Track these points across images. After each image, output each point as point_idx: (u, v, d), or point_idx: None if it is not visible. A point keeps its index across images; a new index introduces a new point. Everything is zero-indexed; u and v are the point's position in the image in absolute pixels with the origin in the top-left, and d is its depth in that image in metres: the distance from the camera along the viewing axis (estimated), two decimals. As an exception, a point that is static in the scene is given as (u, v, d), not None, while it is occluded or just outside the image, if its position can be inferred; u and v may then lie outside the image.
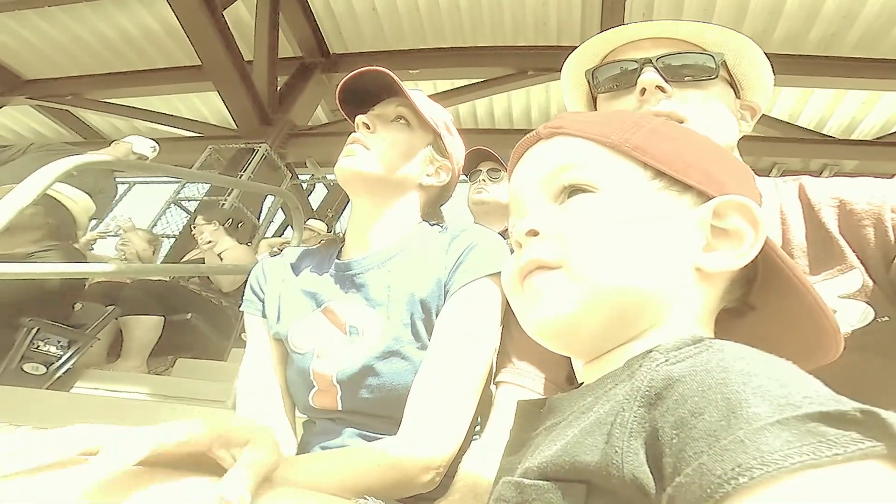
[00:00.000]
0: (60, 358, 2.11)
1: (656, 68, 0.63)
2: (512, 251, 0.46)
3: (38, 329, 2.03)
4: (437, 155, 0.82)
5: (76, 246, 2.40)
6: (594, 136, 0.39)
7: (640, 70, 0.64)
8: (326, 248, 0.86)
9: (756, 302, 0.39)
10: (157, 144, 2.65)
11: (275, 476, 0.44)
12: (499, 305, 0.68)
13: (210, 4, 2.70)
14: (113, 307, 2.33)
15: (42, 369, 2.05)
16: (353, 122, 0.80)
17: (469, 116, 4.18)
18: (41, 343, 2.06)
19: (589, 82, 0.71)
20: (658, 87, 0.63)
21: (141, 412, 1.56)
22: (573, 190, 0.38)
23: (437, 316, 0.71)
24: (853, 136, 3.79)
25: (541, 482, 0.31)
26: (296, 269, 0.83)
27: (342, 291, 0.76)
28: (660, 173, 0.38)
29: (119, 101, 3.97)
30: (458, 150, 0.85)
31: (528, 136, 0.43)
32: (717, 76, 0.63)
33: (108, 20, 3.28)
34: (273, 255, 0.92)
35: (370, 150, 0.76)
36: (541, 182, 0.40)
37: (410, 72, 3.33)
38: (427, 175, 0.81)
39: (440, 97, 3.61)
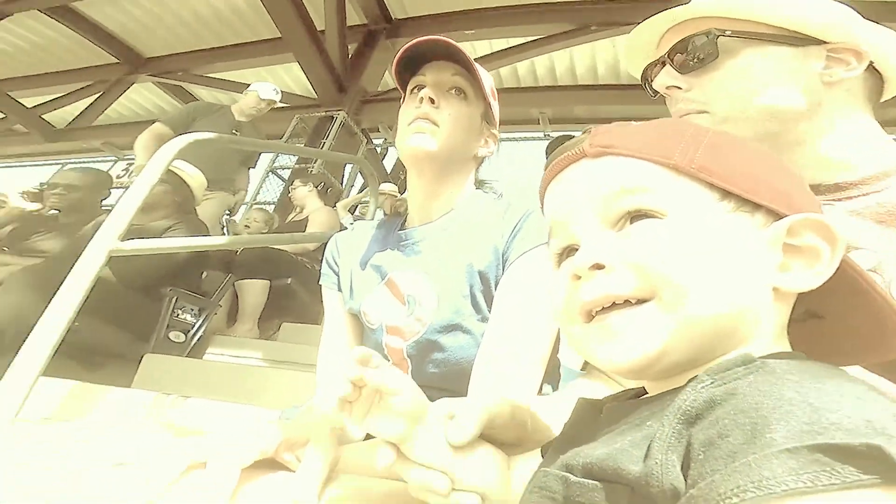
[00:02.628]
0: (195, 325, 2.26)
1: (671, 62, 0.60)
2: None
3: (177, 298, 2.21)
4: (487, 125, 0.83)
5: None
6: (654, 158, 0.37)
7: (663, 66, 0.61)
8: (392, 219, 0.88)
9: (822, 311, 0.38)
10: (278, 87, 3.03)
11: (339, 465, 0.48)
12: None
13: None
14: (230, 275, 2.56)
15: (182, 337, 2.22)
16: (404, 88, 0.81)
17: (528, 74, 4.14)
18: (180, 312, 2.23)
19: (644, 84, 0.68)
20: (670, 87, 0.60)
21: (257, 378, 1.70)
22: (636, 215, 0.36)
23: (496, 286, 0.71)
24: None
25: (587, 480, 0.32)
26: (364, 243, 0.84)
27: (402, 261, 0.78)
28: (727, 193, 0.36)
29: (219, 76, 4.39)
30: (498, 112, 0.84)
31: (567, 151, 0.40)
32: (716, 57, 0.58)
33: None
34: (352, 221, 1.02)
35: (438, 127, 0.76)
36: (595, 206, 0.38)
37: (466, 32, 3.41)
38: (480, 146, 0.83)
39: (497, 56, 3.67)
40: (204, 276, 2.52)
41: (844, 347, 0.38)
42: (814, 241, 0.35)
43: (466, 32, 3.40)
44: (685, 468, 0.27)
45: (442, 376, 0.71)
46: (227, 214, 3.21)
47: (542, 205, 0.43)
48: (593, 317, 0.36)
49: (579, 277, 0.36)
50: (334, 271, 0.85)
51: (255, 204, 4.60)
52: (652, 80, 0.64)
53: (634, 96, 3.78)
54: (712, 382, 0.29)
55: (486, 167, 0.88)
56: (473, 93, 0.79)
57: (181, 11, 3.80)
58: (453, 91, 0.79)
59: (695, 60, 0.59)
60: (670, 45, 0.61)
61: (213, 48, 4.23)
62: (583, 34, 3.57)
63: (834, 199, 0.55)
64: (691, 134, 0.38)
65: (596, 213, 0.37)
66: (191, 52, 4.32)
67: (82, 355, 1.90)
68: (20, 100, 4.46)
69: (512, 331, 0.66)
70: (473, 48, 3.77)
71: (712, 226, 0.35)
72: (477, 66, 0.78)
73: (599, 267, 0.35)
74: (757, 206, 0.36)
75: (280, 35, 3.45)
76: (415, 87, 0.80)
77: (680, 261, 0.34)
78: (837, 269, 0.35)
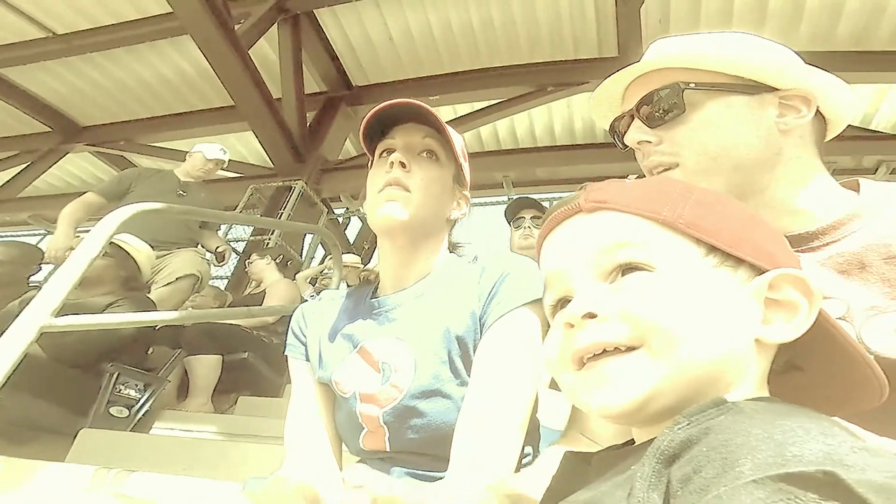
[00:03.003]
0: (139, 401, 2.21)
1: (639, 115, 0.61)
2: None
3: (119, 374, 2.16)
4: (459, 187, 0.82)
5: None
6: (645, 213, 0.39)
7: (627, 126, 0.62)
8: (361, 288, 0.86)
9: (801, 363, 0.40)
10: (224, 147, 2.85)
11: None
12: (538, 334, 0.67)
13: (236, 45, 2.81)
14: (179, 350, 2.48)
15: (125, 412, 2.16)
16: (372, 152, 0.80)
17: (491, 138, 4.20)
18: (122, 387, 2.17)
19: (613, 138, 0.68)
20: (641, 142, 0.61)
21: (213, 451, 1.67)
22: (628, 269, 0.38)
23: (474, 351, 0.70)
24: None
25: None
26: (333, 313, 0.82)
27: (376, 329, 0.77)
28: (713, 249, 0.38)
29: (166, 145, 4.18)
30: (468, 172, 0.84)
31: (563, 206, 0.42)
32: (683, 110, 0.58)
33: (145, 64, 3.47)
34: (313, 293, 0.96)
35: (410, 193, 0.74)
36: (589, 259, 0.39)
37: (430, 98, 3.41)
38: (453, 209, 0.81)
39: (461, 121, 3.68)
40: (150, 351, 2.44)
41: (822, 398, 0.40)
42: (793, 295, 0.37)
43: (430, 98, 3.39)
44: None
45: (422, 441, 0.70)
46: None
47: (539, 258, 0.45)
48: (584, 364, 0.37)
49: (573, 326, 0.38)
50: (301, 342, 0.84)
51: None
52: (622, 135, 0.64)
53: (591, 155, 3.92)
54: (688, 423, 0.31)
55: (458, 229, 0.88)
56: (445, 155, 0.78)
57: (124, 79, 3.65)
58: (424, 154, 0.77)
59: (662, 114, 0.59)
60: (637, 99, 0.61)
61: (159, 116, 4.06)
62: (540, 95, 3.66)
63: (800, 251, 0.56)
64: (679, 191, 0.41)
65: (589, 266, 0.39)
66: (134, 120, 4.14)
67: (10, 431, 1.84)
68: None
69: (492, 396, 0.65)
70: (438, 114, 3.76)
71: (698, 279, 0.37)
72: (447, 127, 0.77)
73: (592, 316, 0.37)
74: (740, 262, 0.38)
75: (233, 103, 3.32)
76: (384, 150, 0.78)
77: (668, 311, 0.36)
78: (815, 322, 0.37)
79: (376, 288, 0.84)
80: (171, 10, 2.71)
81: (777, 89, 0.59)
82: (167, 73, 3.59)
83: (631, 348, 0.36)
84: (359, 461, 0.79)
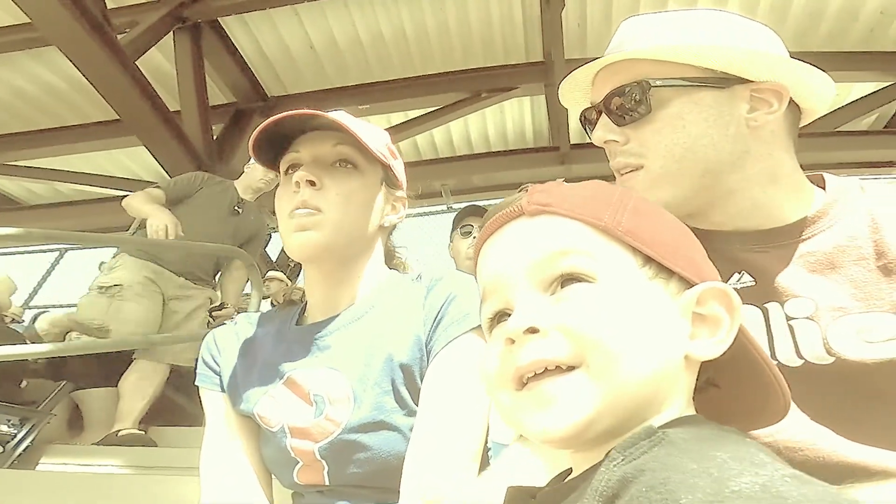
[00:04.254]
0: (15, 437, 2.05)
1: (607, 114, 0.58)
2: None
3: None
4: (390, 189, 0.74)
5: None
6: (586, 219, 0.38)
7: (598, 117, 0.60)
8: (285, 310, 0.80)
9: (718, 380, 0.41)
10: None
11: None
12: None
13: (119, 56, 2.46)
14: (63, 383, 2.29)
15: None
16: (275, 169, 0.72)
17: (428, 146, 4.03)
18: None
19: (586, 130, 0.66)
20: (608, 141, 0.59)
21: (120, 485, 1.51)
22: (568, 279, 0.37)
23: (420, 378, 0.66)
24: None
25: None
26: (252, 338, 0.76)
27: (304, 358, 0.70)
28: (649, 259, 0.38)
29: (32, 164, 3.59)
30: (403, 170, 0.76)
31: (505, 209, 0.41)
32: (650, 110, 0.56)
33: None
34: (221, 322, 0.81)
35: (324, 214, 0.67)
36: (529, 268, 0.38)
37: (360, 108, 3.13)
38: (386, 215, 0.75)
39: (396, 130, 3.46)
40: (22, 384, 2.28)
41: (736, 414, 0.40)
42: (716, 310, 0.37)
43: (360, 108, 3.11)
44: None
45: (366, 475, 0.66)
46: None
47: (476, 264, 0.44)
48: (524, 384, 0.36)
49: (513, 342, 0.37)
50: (214, 371, 0.76)
51: None
52: (590, 130, 0.63)
53: (525, 160, 3.90)
54: (623, 459, 0.31)
55: (396, 235, 0.83)
56: (364, 160, 0.70)
57: None
58: (338, 164, 0.70)
59: (630, 112, 0.57)
60: (605, 91, 0.59)
61: (21, 133, 3.45)
62: (474, 102, 3.53)
63: (768, 247, 0.56)
64: (618, 197, 0.40)
65: (530, 277, 0.38)
66: None
67: None
68: None
69: (443, 427, 0.62)
70: (369, 121, 3.49)
71: (636, 292, 0.37)
72: (363, 125, 0.70)
73: (534, 331, 0.36)
74: (671, 274, 0.38)
75: (118, 117, 2.83)
76: (289, 166, 0.71)
77: (609, 328, 0.35)
78: (738, 344, 0.38)
79: (303, 310, 0.77)
80: (29, 21, 2.28)
81: (748, 81, 0.56)
82: (28, 87, 3.07)
83: (571, 367, 0.35)
84: (293, 494, 0.74)
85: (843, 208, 0.57)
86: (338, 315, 0.72)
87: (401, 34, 2.99)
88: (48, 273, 5.03)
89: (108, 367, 2.28)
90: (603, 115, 0.58)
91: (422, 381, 0.66)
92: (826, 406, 0.51)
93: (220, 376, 0.76)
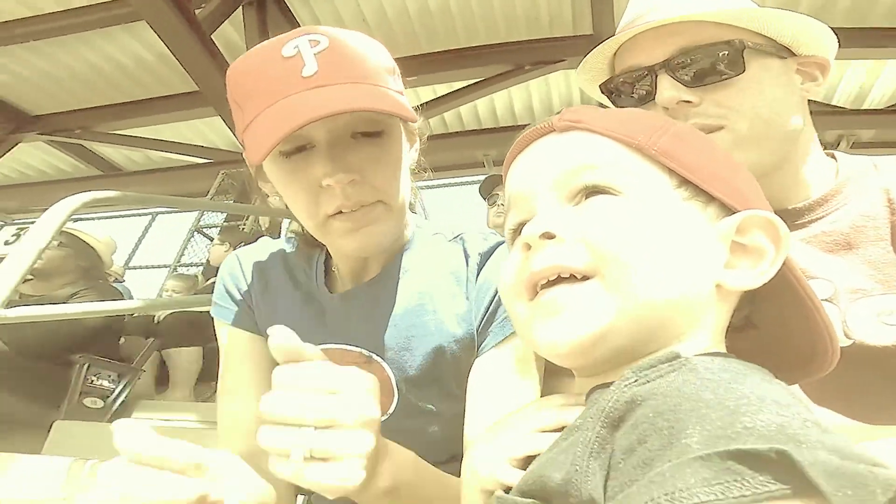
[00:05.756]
0: (114, 391, 2.21)
1: (672, 75, 0.55)
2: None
3: (89, 365, 2.14)
4: (407, 127, 0.64)
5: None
6: (619, 136, 0.37)
7: (655, 80, 0.56)
8: (305, 256, 0.69)
9: (759, 319, 0.38)
10: None
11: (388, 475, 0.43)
12: (542, 365, 0.59)
13: (197, 29, 2.67)
14: (152, 339, 2.46)
15: (100, 402, 2.17)
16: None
17: (471, 117, 4.14)
18: (94, 378, 2.16)
19: (609, 98, 0.63)
20: (680, 102, 0.55)
21: (193, 439, 1.73)
22: (593, 191, 0.36)
23: (466, 364, 0.61)
24: (864, 106, 3.67)
25: (520, 499, 0.31)
26: (278, 281, 0.67)
27: (340, 333, 0.64)
28: (685, 182, 0.36)
29: (128, 133, 4.00)
30: (410, 105, 0.62)
31: (536, 126, 0.40)
32: (743, 70, 0.53)
33: (96, 51, 3.31)
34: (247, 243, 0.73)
35: (375, 203, 0.58)
36: (555, 179, 0.37)
37: (408, 79, 3.31)
38: (411, 157, 0.66)
39: (441, 101, 3.63)
40: (122, 341, 2.44)
41: (777, 360, 0.36)
42: (760, 240, 0.35)
43: (408, 79, 3.29)
44: (606, 479, 0.26)
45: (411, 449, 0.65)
46: None
47: (504, 179, 0.43)
48: (538, 293, 0.35)
49: (530, 247, 0.36)
50: (234, 301, 0.68)
51: (180, 266, 4.19)
52: (646, 94, 0.58)
53: None
54: (636, 380, 0.29)
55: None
56: (386, 119, 0.58)
57: (73, 66, 3.42)
58: (360, 135, 0.57)
59: (712, 73, 0.54)
60: (659, 54, 0.56)
61: (119, 104, 3.82)
62: (518, 74, 3.59)
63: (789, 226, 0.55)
64: (660, 122, 0.39)
65: (555, 187, 0.37)
66: (90, 108, 3.89)
67: None
68: None
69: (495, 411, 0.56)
70: (417, 94, 3.69)
71: (666, 210, 0.35)
72: (368, 69, 0.56)
73: (550, 236, 0.35)
74: (711, 199, 0.36)
75: (198, 88, 3.16)
76: (298, 146, 0.56)
77: (629, 240, 0.33)
78: (779, 273, 0.35)
79: (327, 267, 0.68)
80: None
81: (795, 55, 0.56)
82: (123, 59, 3.37)
83: (586, 277, 0.34)
84: None
85: (856, 186, 0.55)
86: (370, 281, 0.65)
87: (446, 7, 3.11)
88: (143, 235, 5.54)
89: (196, 327, 2.44)
90: (666, 75, 0.55)
91: (467, 366, 0.62)
92: (844, 389, 0.47)
93: (243, 309, 0.68)
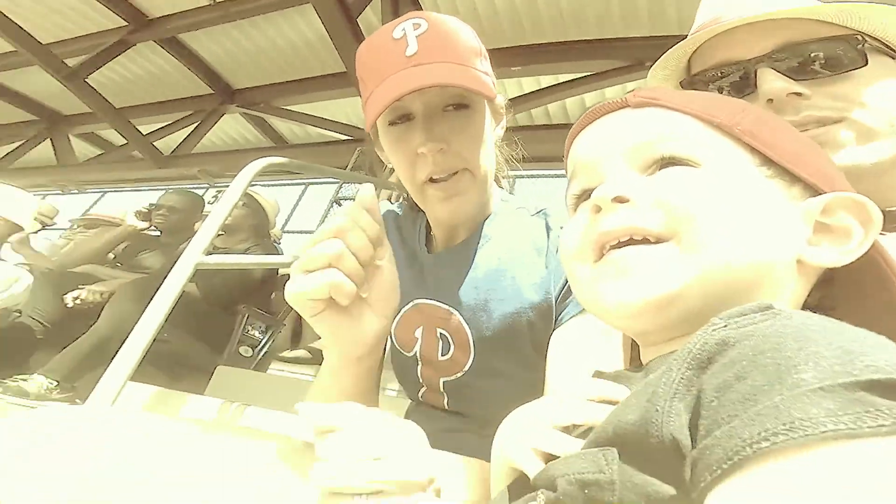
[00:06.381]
0: (261, 342, 2.39)
1: (776, 68, 0.54)
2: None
3: (248, 315, 2.37)
4: (495, 111, 0.72)
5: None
6: (699, 114, 0.36)
7: (754, 74, 0.55)
8: (413, 218, 0.77)
9: (836, 301, 0.37)
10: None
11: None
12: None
13: (347, 13, 3.01)
14: None
15: (250, 352, 2.35)
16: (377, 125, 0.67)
17: (579, 110, 4.07)
18: (250, 328, 2.36)
19: (693, 87, 0.62)
20: (792, 93, 0.54)
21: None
22: (669, 162, 0.35)
23: (544, 331, 0.64)
24: None
25: (591, 450, 0.29)
26: (393, 242, 0.69)
27: (432, 290, 0.71)
28: (769, 161, 0.35)
29: (295, 108, 4.74)
30: (493, 80, 0.71)
31: (605, 103, 0.39)
32: (866, 63, 0.53)
33: (277, 31, 3.82)
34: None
35: (463, 173, 0.66)
36: (627, 149, 0.36)
37: (512, 69, 3.51)
38: (497, 133, 0.73)
39: (545, 92, 3.71)
40: (272, 296, 2.66)
41: None
42: (847, 220, 0.34)
43: (513, 69, 3.49)
44: (695, 419, 0.24)
45: (483, 409, 0.67)
46: None
47: (566, 154, 0.41)
48: (604, 255, 0.34)
49: (599, 210, 0.35)
50: None
51: None
52: (741, 88, 0.57)
53: None
54: (725, 325, 0.27)
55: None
56: (473, 95, 0.66)
57: (262, 44, 4.10)
58: (451, 108, 0.66)
59: (828, 67, 0.54)
60: (757, 48, 0.55)
61: (289, 81, 4.55)
62: (637, 70, 3.48)
63: (888, 228, 0.49)
64: (742, 105, 0.38)
65: (628, 156, 0.36)
66: (271, 84, 4.69)
67: (167, 365, 2.09)
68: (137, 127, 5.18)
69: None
70: (521, 85, 3.83)
71: (747, 183, 0.34)
72: (461, 50, 0.65)
73: (623, 200, 0.34)
74: (795, 180, 0.35)
75: (345, 69, 3.71)
76: (398, 116, 0.66)
77: (707, 205, 0.32)
78: (867, 256, 0.33)
79: (428, 228, 0.76)
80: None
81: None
82: (295, 39, 3.94)
83: (660, 240, 0.33)
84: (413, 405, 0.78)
85: None
86: (458, 245, 0.72)
87: (554, 1, 3.20)
88: (297, 203, 6.35)
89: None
90: (768, 69, 0.55)
91: (543, 335, 0.64)
92: None
93: None
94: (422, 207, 0.71)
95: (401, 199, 0.85)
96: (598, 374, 0.39)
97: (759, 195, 0.34)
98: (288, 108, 4.81)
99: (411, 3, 3.41)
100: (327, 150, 5.05)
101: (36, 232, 2.90)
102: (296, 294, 0.49)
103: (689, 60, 0.64)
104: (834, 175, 0.37)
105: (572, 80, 3.66)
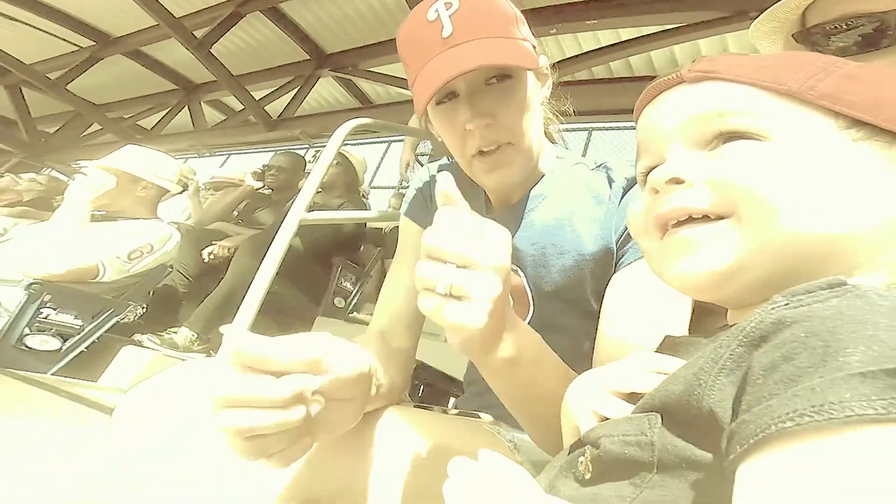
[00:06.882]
0: (352, 293, 2.48)
1: (842, 35, 0.53)
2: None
3: (342, 267, 2.46)
4: (539, 74, 0.72)
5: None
6: (763, 83, 0.35)
7: (893, 25, 0.52)
8: (471, 182, 0.76)
9: None
10: None
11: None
12: None
13: None
14: (379, 249, 2.87)
15: (343, 303, 2.44)
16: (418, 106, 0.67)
17: (666, 63, 3.77)
18: (343, 280, 2.44)
19: (810, 47, 0.60)
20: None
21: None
22: (732, 136, 0.34)
23: (603, 281, 0.65)
24: None
25: (639, 415, 0.31)
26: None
27: None
28: (857, 123, 0.33)
29: (379, 70, 4.87)
30: (534, 41, 0.71)
31: (662, 80, 0.39)
32: None
33: None
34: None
35: (508, 145, 0.68)
36: (684, 125, 0.36)
37: (588, 22, 3.35)
38: (543, 96, 0.74)
39: (626, 45, 3.47)
40: (361, 248, 2.84)
41: None
42: None
43: (588, 22, 3.35)
44: (739, 395, 0.25)
45: None
46: None
47: (636, 129, 0.42)
48: (667, 232, 0.35)
49: (657, 192, 0.36)
50: (426, 203, 0.80)
51: (401, 188, 5.01)
52: (871, 41, 0.55)
53: None
54: (787, 304, 0.27)
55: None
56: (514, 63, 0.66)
57: (349, 10, 4.26)
58: (494, 80, 0.67)
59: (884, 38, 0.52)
60: (825, 18, 0.54)
61: (373, 44, 4.68)
62: (738, 20, 3.12)
63: None
64: (822, 63, 0.36)
65: (684, 133, 0.36)
66: (357, 48, 4.86)
67: (277, 315, 2.18)
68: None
69: (632, 342, 0.58)
70: (597, 38, 3.63)
71: (826, 151, 0.33)
72: (496, 24, 0.66)
73: (678, 181, 0.35)
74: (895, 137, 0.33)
75: None
76: (444, 95, 0.68)
77: (769, 178, 0.32)
78: None
79: (486, 196, 0.77)
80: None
81: None
82: (376, 4, 4.07)
83: (721, 217, 0.33)
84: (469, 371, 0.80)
85: None
86: (512, 206, 0.73)
87: None
88: (381, 161, 6.80)
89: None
90: (836, 34, 0.54)
91: (605, 285, 0.65)
92: None
93: (420, 206, 0.79)
94: (472, 178, 0.73)
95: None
96: (670, 340, 0.41)
97: (839, 160, 0.32)
98: (372, 70, 5.00)
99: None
100: (408, 109, 5.19)
101: (180, 192, 3.26)
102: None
103: (803, 13, 0.60)
104: None
105: (659, 31, 3.37)
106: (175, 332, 2.22)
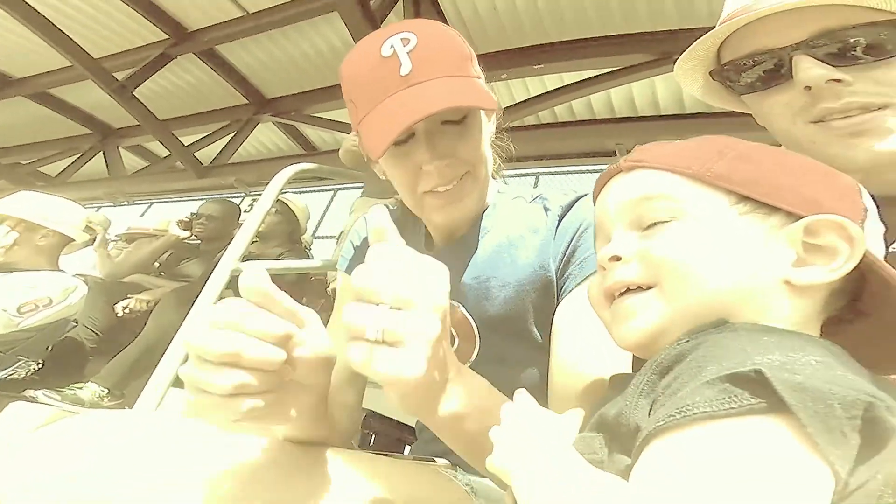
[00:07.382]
0: None
1: (813, 55, 0.54)
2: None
3: None
4: (488, 111, 0.72)
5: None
6: (675, 168, 0.42)
7: (790, 62, 0.55)
8: (413, 218, 0.77)
9: (866, 309, 0.40)
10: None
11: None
12: None
13: (371, 18, 3.05)
14: (322, 301, 2.77)
15: None
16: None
17: (603, 106, 4.02)
18: None
19: (724, 83, 0.63)
20: (832, 80, 0.54)
21: None
22: (658, 221, 0.41)
23: (547, 312, 0.65)
24: None
25: (592, 433, 0.37)
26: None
27: None
28: (745, 198, 0.40)
29: (323, 115, 4.79)
30: (482, 76, 0.72)
31: (608, 168, 0.47)
32: None
33: (306, 40, 3.91)
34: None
35: (465, 180, 0.68)
36: (620, 212, 0.44)
37: (534, 67, 3.48)
38: (491, 132, 0.75)
39: (568, 89, 3.65)
40: (303, 300, 2.75)
41: (882, 352, 0.40)
42: (833, 240, 0.37)
43: (535, 67, 3.47)
44: (651, 409, 0.33)
45: None
46: None
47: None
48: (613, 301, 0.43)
49: (604, 269, 0.44)
50: (362, 254, 0.73)
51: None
52: (775, 77, 0.57)
53: (727, 124, 3.47)
54: (686, 341, 0.35)
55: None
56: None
57: (292, 53, 4.20)
58: (451, 120, 0.66)
59: (871, 52, 0.53)
60: (799, 37, 0.54)
61: (318, 89, 4.64)
62: (662, 64, 3.41)
63: None
64: (719, 148, 0.43)
65: (624, 217, 0.44)
66: (301, 92, 4.81)
67: None
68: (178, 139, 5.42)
69: (580, 377, 0.58)
70: (543, 83, 3.80)
71: (720, 225, 0.40)
72: (452, 61, 0.65)
73: (616, 258, 0.42)
74: (774, 210, 0.40)
75: None
76: (404, 136, 0.65)
77: (680, 251, 0.39)
78: (878, 274, 0.37)
79: (426, 229, 0.77)
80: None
81: None
82: (322, 47, 4.03)
83: (650, 287, 0.40)
84: None
85: None
86: (456, 241, 0.73)
87: None
88: (326, 209, 6.35)
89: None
90: (805, 56, 0.54)
91: (546, 314, 0.66)
92: None
93: (356, 259, 0.79)
94: (418, 215, 0.74)
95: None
96: (615, 377, 0.48)
97: (732, 233, 0.39)
98: (317, 115, 4.94)
99: (432, 6, 3.45)
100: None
101: (90, 242, 3.09)
102: (198, 414, 0.43)
103: (718, 51, 0.63)
104: (821, 198, 0.39)
105: (596, 75, 3.59)
106: (80, 388, 2.09)
